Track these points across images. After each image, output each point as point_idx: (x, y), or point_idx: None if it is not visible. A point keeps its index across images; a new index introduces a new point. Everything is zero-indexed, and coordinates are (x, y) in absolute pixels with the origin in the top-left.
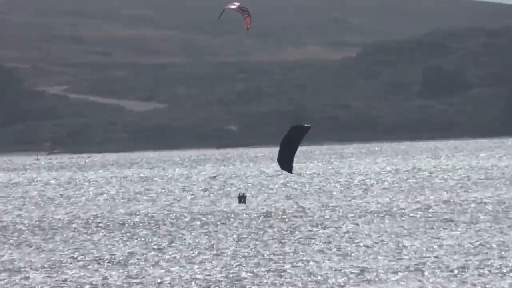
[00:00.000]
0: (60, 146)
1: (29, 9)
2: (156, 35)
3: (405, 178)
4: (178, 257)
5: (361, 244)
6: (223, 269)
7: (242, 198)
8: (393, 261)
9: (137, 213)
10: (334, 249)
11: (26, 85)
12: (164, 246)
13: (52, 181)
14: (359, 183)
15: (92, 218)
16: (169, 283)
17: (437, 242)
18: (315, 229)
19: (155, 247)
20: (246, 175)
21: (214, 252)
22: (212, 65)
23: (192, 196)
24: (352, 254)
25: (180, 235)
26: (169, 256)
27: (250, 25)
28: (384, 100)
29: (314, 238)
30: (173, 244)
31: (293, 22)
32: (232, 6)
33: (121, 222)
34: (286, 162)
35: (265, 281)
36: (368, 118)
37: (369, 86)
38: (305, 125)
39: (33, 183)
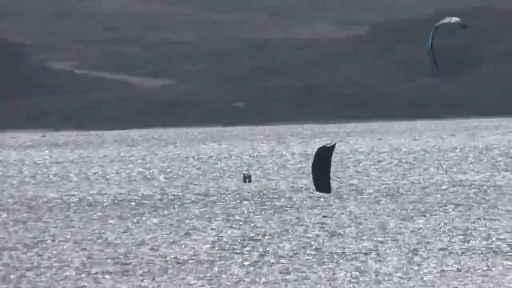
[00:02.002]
0: (67, 122)
1: None
2: (165, 11)
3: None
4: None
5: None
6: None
7: (247, 178)
8: None
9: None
10: None
11: (33, 60)
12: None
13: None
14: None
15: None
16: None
17: None
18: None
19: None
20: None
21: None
22: (221, 42)
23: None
24: None
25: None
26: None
27: None
28: (396, 77)
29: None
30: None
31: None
32: None
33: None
34: (323, 184)
35: None
36: (379, 95)
37: (379, 64)
38: (329, 144)
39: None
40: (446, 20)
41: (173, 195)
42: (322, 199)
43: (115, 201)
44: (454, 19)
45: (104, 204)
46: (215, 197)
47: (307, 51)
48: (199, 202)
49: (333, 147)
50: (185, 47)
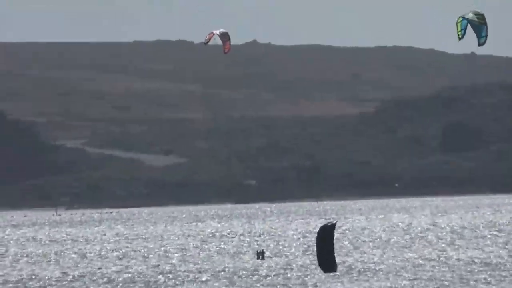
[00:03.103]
0: (78, 200)
1: (48, 63)
2: (175, 89)
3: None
4: None
5: None
6: None
7: (260, 254)
8: None
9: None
10: None
11: (44, 139)
12: None
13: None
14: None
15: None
16: None
17: None
18: None
19: None
20: (264, 231)
21: None
22: (231, 119)
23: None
24: None
25: None
26: None
27: (228, 49)
28: (403, 156)
29: None
30: None
31: (312, 77)
32: (215, 31)
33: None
34: (327, 263)
35: None
36: (387, 173)
37: (386, 141)
38: (330, 223)
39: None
40: (470, 16)
41: (188, 271)
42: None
43: (133, 278)
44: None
45: (121, 281)
46: (230, 275)
47: (315, 129)
48: (216, 279)
49: (334, 225)
50: (194, 125)
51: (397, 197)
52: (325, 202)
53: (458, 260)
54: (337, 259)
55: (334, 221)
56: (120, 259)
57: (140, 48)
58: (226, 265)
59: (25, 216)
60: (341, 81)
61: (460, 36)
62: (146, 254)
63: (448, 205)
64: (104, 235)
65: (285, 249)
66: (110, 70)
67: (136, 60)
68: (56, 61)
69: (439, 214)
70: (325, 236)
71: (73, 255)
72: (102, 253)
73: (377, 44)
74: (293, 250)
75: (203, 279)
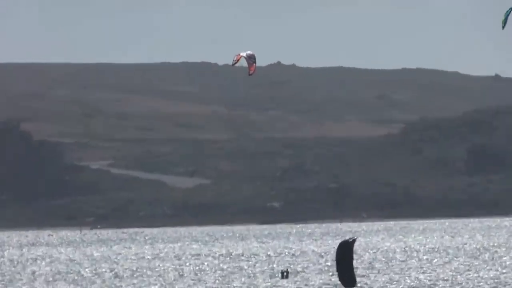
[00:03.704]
0: (103, 221)
1: (73, 84)
2: (199, 111)
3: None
4: None
5: None
6: None
7: (284, 273)
8: None
9: None
10: None
11: (69, 160)
12: None
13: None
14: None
15: None
16: None
17: None
18: None
19: None
20: (288, 252)
21: None
22: (255, 141)
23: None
24: None
25: None
26: None
27: (253, 71)
28: (428, 177)
29: None
30: None
31: (337, 98)
32: (242, 54)
33: None
34: (346, 278)
35: None
36: (412, 195)
37: (413, 163)
38: (350, 239)
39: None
40: None
41: None
42: None
43: None
44: None
45: None
46: None
47: (340, 150)
48: None
49: (354, 241)
50: (219, 146)
51: (422, 219)
52: (350, 224)
53: (469, 279)
54: (358, 279)
55: (355, 237)
56: (135, 277)
57: (165, 69)
58: (248, 284)
59: (49, 235)
60: (366, 102)
61: (503, 24)
62: (162, 273)
63: (472, 226)
64: (120, 253)
65: (308, 268)
66: (135, 91)
67: (161, 81)
68: (82, 82)
69: (458, 235)
70: (345, 251)
71: (88, 274)
72: (117, 271)
73: (402, 66)
74: (315, 268)
75: None
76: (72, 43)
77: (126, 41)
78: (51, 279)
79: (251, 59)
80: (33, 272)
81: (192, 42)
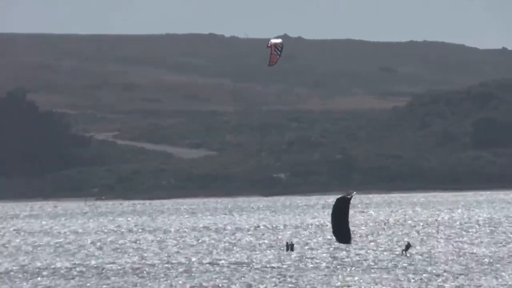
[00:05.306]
0: (108, 192)
1: (80, 56)
2: (206, 83)
3: None
4: None
5: None
6: None
7: (290, 246)
8: None
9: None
10: None
11: (75, 131)
12: None
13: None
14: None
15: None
16: None
17: None
18: None
19: None
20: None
21: None
22: (262, 113)
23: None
24: None
25: None
26: None
27: (273, 63)
28: (434, 151)
29: None
30: None
31: (344, 71)
32: (274, 41)
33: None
34: (342, 234)
35: None
36: (418, 168)
37: (419, 136)
38: (348, 195)
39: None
40: None
41: (213, 263)
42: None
43: (161, 267)
44: None
45: (132, 273)
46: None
47: (347, 123)
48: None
49: (351, 197)
50: (225, 118)
51: (427, 191)
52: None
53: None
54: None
55: (354, 193)
56: (136, 250)
57: (173, 41)
58: (254, 258)
59: (55, 206)
60: (372, 75)
61: None
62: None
63: (477, 199)
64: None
65: (313, 241)
66: (142, 63)
67: (168, 53)
68: (88, 53)
69: (463, 208)
70: (342, 207)
71: (90, 246)
72: (118, 245)
73: (409, 39)
74: (320, 241)
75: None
76: (80, 14)
77: (134, 12)
78: (52, 251)
79: (277, 49)
80: (34, 244)
81: (199, 14)
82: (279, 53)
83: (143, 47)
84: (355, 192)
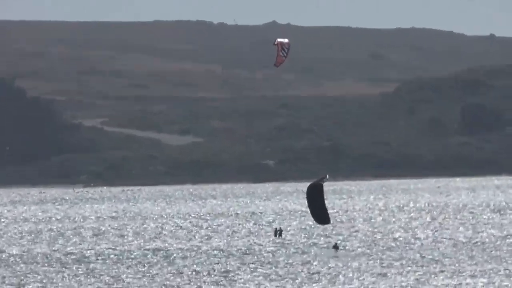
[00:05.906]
0: (97, 179)
1: (68, 42)
2: (194, 69)
3: None
4: None
5: None
6: None
7: (278, 232)
8: None
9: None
10: None
11: (63, 117)
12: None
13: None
14: None
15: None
16: None
17: None
18: None
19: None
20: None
21: None
22: (250, 99)
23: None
24: None
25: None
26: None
27: (279, 65)
28: (422, 137)
29: None
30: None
31: (332, 58)
32: (280, 40)
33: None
34: (321, 216)
35: None
36: (407, 155)
37: (407, 122)
38: (321, 180)
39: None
40: None
41: (210, 249)
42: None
43: (148, 255)
44: None
45: (114, 259)
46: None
47: (335, 109)
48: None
49: (321, 184)
50: (214, 105)
51: (417, 178)
52: (343, 182)
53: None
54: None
55: (326, 176)
56: (120, 236)
57: (161, 28)
58: (242, 243)
59: (41, 192)
60: (360, 62)
61: None
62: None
63: (467, 185)
64: (100, 212)
65: (302, 226)
66: (130, 49)
67: (157, 39)
68: (76, 40)
69: (449, 194)
70: (315, 193)
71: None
72: (100, 230)
73: (397, 25)
74: (308, 227)
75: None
76: (67, 1)
77: None
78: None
79: (283, 50)
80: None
81: (188, 0)
82: (285, 54)
83: (132, 33)
84: (327, 176)
